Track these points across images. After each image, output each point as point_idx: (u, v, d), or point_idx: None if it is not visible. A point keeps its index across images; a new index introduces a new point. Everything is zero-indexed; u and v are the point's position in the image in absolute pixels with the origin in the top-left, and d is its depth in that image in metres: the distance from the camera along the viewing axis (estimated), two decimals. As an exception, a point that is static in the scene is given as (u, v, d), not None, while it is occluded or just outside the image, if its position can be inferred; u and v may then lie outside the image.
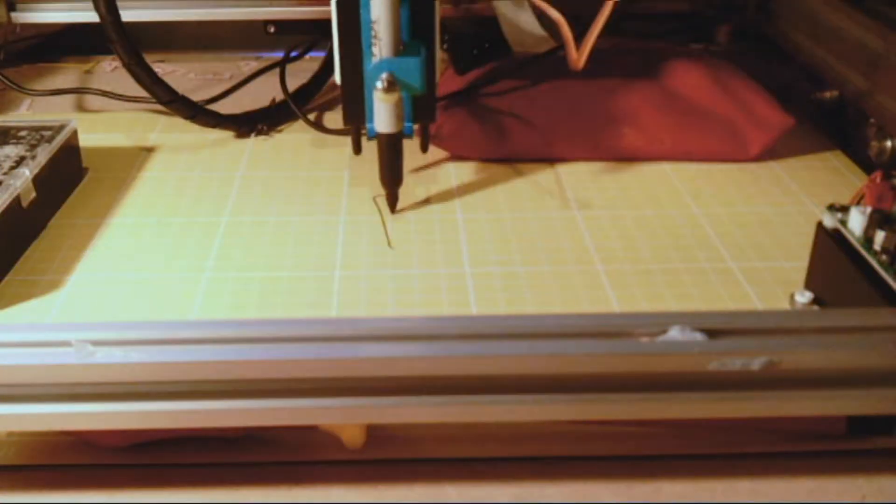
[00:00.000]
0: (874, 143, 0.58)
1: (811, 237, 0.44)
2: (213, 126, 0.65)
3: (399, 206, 0.55)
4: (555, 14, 0.53)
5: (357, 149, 0.55)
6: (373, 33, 0.49)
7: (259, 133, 0.66)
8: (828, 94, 0.65)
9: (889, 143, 0.57)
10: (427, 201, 0.56)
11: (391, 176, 0.54)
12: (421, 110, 0.53)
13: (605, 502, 0.36)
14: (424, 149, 0.56)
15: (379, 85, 0.49)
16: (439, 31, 0.52)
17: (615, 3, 0.54)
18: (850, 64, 0.61)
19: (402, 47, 0.50)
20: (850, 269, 0.41)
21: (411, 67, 0.49)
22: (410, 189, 0.57)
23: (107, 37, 0.58)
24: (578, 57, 0.54)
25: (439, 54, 0.52)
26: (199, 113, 0.64)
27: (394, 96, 0.49)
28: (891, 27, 0.57)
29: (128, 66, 0.60)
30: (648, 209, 0.55)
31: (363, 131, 0.54)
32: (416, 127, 0.54)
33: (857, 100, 0.60)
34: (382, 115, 0.51)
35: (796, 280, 0.46)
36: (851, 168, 0.60)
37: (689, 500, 0.36)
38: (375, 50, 0.50)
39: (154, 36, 0.59)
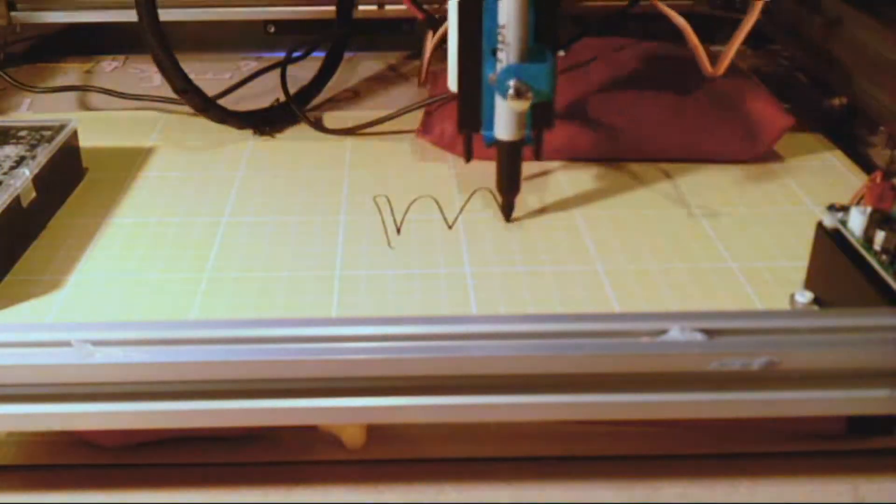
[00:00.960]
0: (885, 152, 0.58)
1: (811, 237, 0.44)
2: (221, 121, 0.65)
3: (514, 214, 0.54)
4: (680, 20, 0.52)
5: (468, 156, 0.54)
6: (500, 38, 0.48)
7: (263, 134, 0.66)
8: (836, 102, 0.65)
9: None
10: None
11: (510, 184, 0.53)
12: (540, 116, 0.51)
13: (604, 502, 0.36)
14: (538, 156, 0.54)
15: (510, 92, 0.47)
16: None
17: (765, 3, 0.53)
18: (863, 72, 0.61)
19: (528, 53, 0.48)
20: (850, 269, 0.41)
21: (540, 73, 0.47)
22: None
23: (138, 16, 0.58)
24: (718, 66, 0.52)
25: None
26: (210, 107, 0.64)
27: (524, 104, 0.48)
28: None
29: (152, 48, 0.59)
30: (648, 209, 0.55)
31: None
32: None
33: (870, 108, 0.60)
34: (506, 122, 0.50)
35: (796, 280, 0.46)
36: (851, 168, 0.60)
37: (689, 500, 0.36)
38: (502, 56, 0.48)
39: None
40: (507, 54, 0.48)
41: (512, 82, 0.47)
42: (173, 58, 0.60)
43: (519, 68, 0.48)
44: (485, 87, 0.50)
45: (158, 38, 0.59)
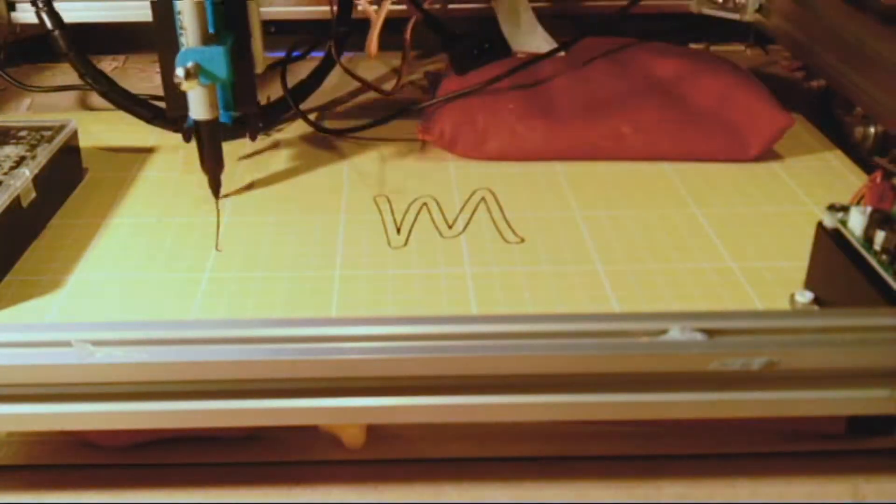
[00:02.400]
0: (859, 129, 0.59)
1: (811, 237, 0.44)
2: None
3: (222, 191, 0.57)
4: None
5: (187, 138, 0.56)
6: (180, 24, 0.52)
7: (258, 134, 0.65)
8: (815, 84, 0.65)
9: (872, 130, 0.58)
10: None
11: (212, 162, 0.55)
12: (241, 98, 0.56)
13: (604, 502, 0.36)
14: (253, 137, 0.59)
15: (180, 73, 0.50)
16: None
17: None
18: (839, 56, 0.62)
19: (209, 38, 0.52)
20: (850, 269, 0.41)
21: (214, 57, 0.51)
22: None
23: (79, 72, 0.62)
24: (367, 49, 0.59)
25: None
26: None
27: (192, 83, 0.51)
28: (879, 22, 0.58)
29: (105, 95, 0.62)
30: (648, 209, 0.55)
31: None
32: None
33: (845, 89, 0.61)
34: (194, 102, 0.53)
35: (796, 280, 0.46)
36: (851, 168, 0.60)
37: (689, 500, 0.36)
38: (183, 40, 0.52)
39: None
40: (186, 39, 0.52)
41: (187, 64, 0.50)
42: (132, 96, 0.63)
43: (194, 52, 0.51)
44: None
45: (110, 86, 0.62)
